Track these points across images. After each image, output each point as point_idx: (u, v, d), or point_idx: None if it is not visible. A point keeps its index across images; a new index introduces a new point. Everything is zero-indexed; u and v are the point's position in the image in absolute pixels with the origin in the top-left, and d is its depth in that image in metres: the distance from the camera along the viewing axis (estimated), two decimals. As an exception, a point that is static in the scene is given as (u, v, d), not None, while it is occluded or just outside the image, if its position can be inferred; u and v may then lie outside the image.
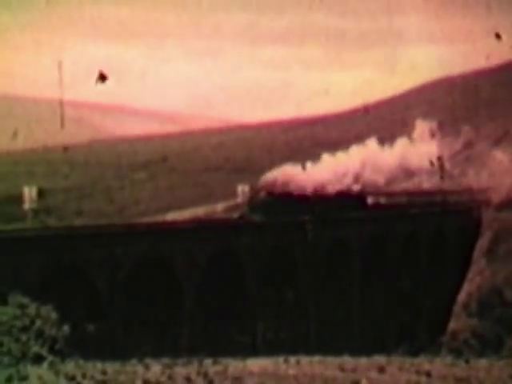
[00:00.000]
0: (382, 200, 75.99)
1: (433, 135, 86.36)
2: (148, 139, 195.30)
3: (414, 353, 37.89)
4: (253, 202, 69.26)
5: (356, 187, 75.00)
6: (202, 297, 53.99)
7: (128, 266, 50.47)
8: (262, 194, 68.77)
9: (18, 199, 71.96)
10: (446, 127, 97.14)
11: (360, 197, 73.07)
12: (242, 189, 76.09)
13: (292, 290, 61.41)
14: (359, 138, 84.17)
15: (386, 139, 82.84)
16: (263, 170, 74.98)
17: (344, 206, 69.22)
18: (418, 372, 25.03)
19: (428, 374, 24.54)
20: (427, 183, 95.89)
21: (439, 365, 27.33)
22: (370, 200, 73.92)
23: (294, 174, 70.84)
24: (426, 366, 26.38)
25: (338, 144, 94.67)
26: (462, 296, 73.76)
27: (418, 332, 66.75)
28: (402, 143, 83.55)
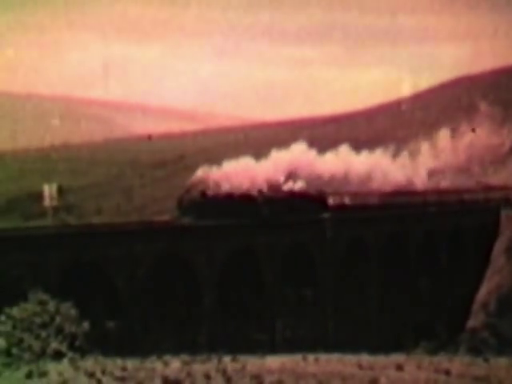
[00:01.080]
0: (347, 201, 69.42)
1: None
2: (166, 137, 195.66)
3: (433, 351, 37.80)
4: (184, 204, 61.37)
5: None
6: (221, 294, 54.11)
7: (147, 263, 50.69)
8: (195, 194, 61.48)
9: (39, 197, 72.38)
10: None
11: (320, 198, 66.63)
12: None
13: (310, 289, 61.37)
14: (387, 136, 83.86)
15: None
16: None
17: (299, 207, 62.89)
18: (436, 370, 24.98)
19: (447, 373, 24.48)
20: (445, 181, 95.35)
21: (458, 363, 27.26)
22: (331, 201, 67.44)
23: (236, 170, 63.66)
24: (445, 365, 26.32)
25: (355, 142, 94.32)
26: (480, 295, 73.50)
27: (437, 330, 66.49)
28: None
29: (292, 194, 64.54)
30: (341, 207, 67.41)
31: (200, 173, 63.06)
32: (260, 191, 62.70)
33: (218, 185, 61.97)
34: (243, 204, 59.77)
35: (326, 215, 63.14)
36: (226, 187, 62.00)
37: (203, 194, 60.86)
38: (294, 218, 61.76)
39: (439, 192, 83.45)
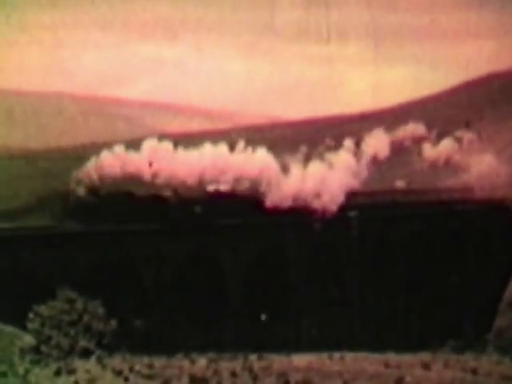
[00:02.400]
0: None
1: None
2: (197, 137, 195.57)
3: (460, 350, 37.67)
4: (68, 206, 50.65)
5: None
6: (248, 293, 54.22)
7: (174, 262, 50.90)
8: (82, 192, 50.90)
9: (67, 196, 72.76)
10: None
11: (253, 199, 56.77)
12: None
13: (337, 287, 61.27)
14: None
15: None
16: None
17: (225, 209, 54.09)
18: (463, 369, 25.02)
19: (474, 372, 24.51)
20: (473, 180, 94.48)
21: (485, 362, 27.28)
22: (270, 202, 57.74)
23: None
24: (472, 364, 26.36)
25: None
26: (508, 293, 72.94)
27: (464, 329, 66.12)
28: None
29: (216, 195, 55.42)
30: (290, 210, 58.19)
31: (92, 164, 51.85)
32: (175, 191, 53.03)
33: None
34: (150, 205, 50.92)
35: (352, 213, 62.53)
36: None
37: (95, 192, 50.91)
38: (219, 221, 53.29)
39: (467, 190, 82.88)
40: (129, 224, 48.32)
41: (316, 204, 58.11)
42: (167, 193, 52.44)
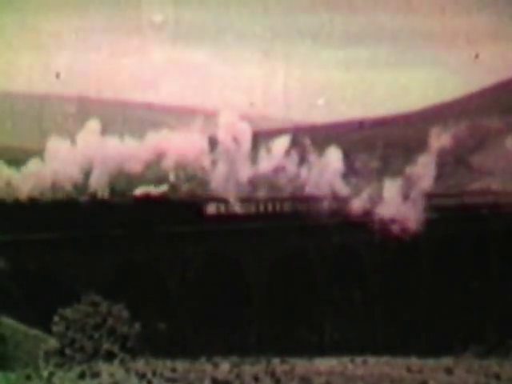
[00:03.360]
0: (238, 208, 53.42)
1: None
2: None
3: (483, 355, 37.51)
4: None
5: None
6: (270, 296, 54.30)
7: (198, 265, 51.06)
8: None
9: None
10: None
11: (192, 205, 51.85)
12: None
13: (359, 290, 61.24)
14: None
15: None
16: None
17: (155, 216, 49.11)
18: (486, 374, 24.92)
19: (497, 377, 24.42)
20: (496, 184, 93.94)
21: (508, 368, 27.14)
22: (211, 209, 52.62)
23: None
24: (495, 369, 26.24)
25: (409, 144, 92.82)
26: (533, 298, 72.63)
27: (487, 334, 65.86)
28: None
29: (144, 199, 50.72)
30: (230, 217, 53.36)
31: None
32: (93, 195, 48.55)
33: None
34: (61, 212, 45.99)
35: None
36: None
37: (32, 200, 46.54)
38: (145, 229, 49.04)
39: (491, 194, 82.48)
40: (35, 233, 44.03)
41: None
42: (84, 197, 48.48)
